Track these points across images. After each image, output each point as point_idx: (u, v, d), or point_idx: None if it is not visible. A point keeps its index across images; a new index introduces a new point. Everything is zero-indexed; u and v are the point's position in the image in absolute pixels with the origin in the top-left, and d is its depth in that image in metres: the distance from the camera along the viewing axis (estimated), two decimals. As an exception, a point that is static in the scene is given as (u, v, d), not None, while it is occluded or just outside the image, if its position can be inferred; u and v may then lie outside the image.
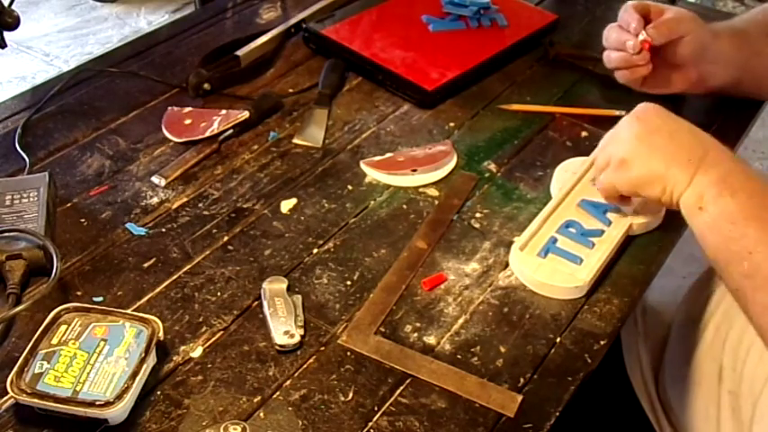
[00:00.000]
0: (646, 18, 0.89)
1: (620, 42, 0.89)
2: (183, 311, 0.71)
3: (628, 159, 0.73)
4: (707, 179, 0.69)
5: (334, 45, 1.04)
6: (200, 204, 0.82)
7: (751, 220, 0.65)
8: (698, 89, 0.92)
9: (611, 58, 0.92)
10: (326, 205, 0.83)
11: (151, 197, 0.83)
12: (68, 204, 0.81)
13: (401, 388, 0.65)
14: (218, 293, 0.72)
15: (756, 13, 0.95)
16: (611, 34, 0.91)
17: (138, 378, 0.61)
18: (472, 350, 0.68)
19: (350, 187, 0.85)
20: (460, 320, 0.71)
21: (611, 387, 0.91)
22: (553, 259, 0.75)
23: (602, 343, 0.70)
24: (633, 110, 0.76)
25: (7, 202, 0.76)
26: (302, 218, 0.81)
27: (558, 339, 0.70)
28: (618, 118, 0.92)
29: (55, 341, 0.63)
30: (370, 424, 0.62)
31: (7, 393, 0.60)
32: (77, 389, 0.59)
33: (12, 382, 0.60)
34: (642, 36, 0.87)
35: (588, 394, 0.67)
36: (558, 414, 0.64)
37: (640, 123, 0.74)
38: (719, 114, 0.96)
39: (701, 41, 0.88)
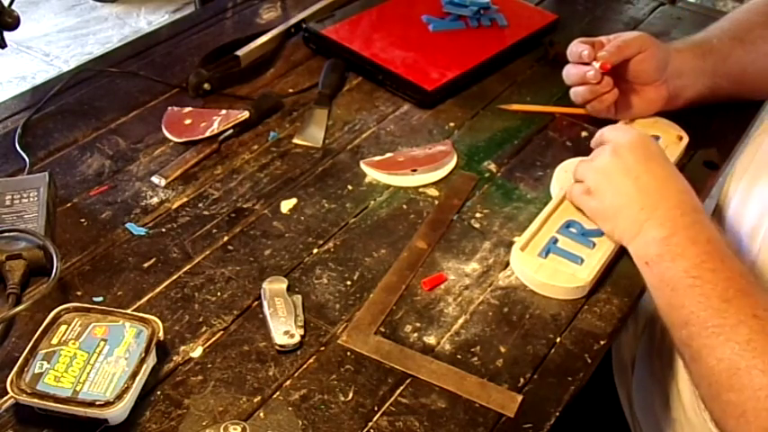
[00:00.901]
0: (595, 49, 0.89)
1: (581, 75, 0.89)
2: (183, 311, 0.71)
3: (592, 190, 0.77)
4: (652, 235, 0.70)
5: (335, 45, 1.04)
6: (200, 204, 0.82)
7: (689, 290, 0.65)
8: (675, 105, 0.92)
9: (577, 93, 0.92)
10: (326, 205, 0.83)
11: (151, 197, 0.83)
12: (68, 204, 0.81)
13: (401, 388, 0.65)
14: (218, 293, 0.72)
15: (720, 21, 0.96)
16: (569, 71, 0.91)
17: (138, 378, 0.61)
18: (472, 350, 0.68)
19: (350, 187, 0.85)
20: (460, 320, 0.71)
21: (598, 389, 0.91)
22: (554, 259, 0.75)
23: (602, 343, 0.70)
24: (617, 137, 0.76)
25: (7, 202, 0.76)
26: (302, 218, 0.81)
27: (558, 339, 0.70)
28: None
29: (55, 341, 0.63)
30: (370, 424, 0.62)
31: (7, 393, 0.60)
32: (77, 389, 0.59)
33: (12, 382, 0.60)
34: (597, 63, 0.87)
35: (577, 397, 0.67)
36: (558, 414, 0.64)
37: (614, 158, 0.75)
38: (720, 114, 0.96)
39: (659, 57, 0.88)
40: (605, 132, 0.79)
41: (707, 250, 0.67)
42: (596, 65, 0.87)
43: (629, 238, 0.72)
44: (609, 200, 0.74)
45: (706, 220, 0.70)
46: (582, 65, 0.89)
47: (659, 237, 0.69)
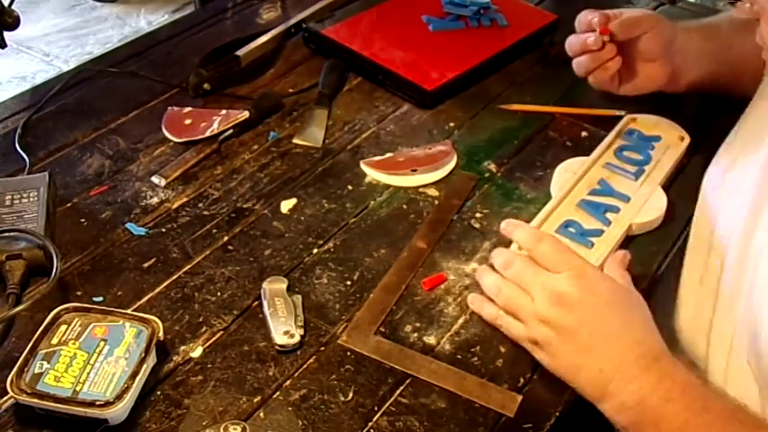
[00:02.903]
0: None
1: (582, 43, 0.89)
2: (183, 311, 0.71)
3: (540, 343, 0.65)
4: (620, 401, 0.61)
5: (334, 45, 1.04)
6: (200, 204, 0.82)
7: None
8: (676, 86, 0.92)
9: (579, 63, 0.92)
10: (326, 205, 0.83)
11: (151, 197, 0.83)
12: (68, 204, 0.81)
13: (401, 388, 0.65)
14: (218, 293, 0.72)
15: (728, 12, 0.96)
16: (570, 41, 0.91)
17: (138, 378, 0.61)
18: (472, 350, 0.68)
19: (350, 187, 0.85)
20: (460, 320, 0.71)
21: None
22: (553, 259, 0.75)
23: (602, 343, 0.69)
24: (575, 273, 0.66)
25: (7, 202, 0.76)
26: (302, 218, 0.81)
27: (558, 339, 0.70)
28: (618, 118, 0.93)
29: (55, 341, 0.63)
30: (370, 424, 0.62)
31: (7, 393, 0.60)
32: (77, 389, 0.59)
33: (12, 382, 0.60)
34: (598, 31, 0.87)
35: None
36: (558, 414, 0.64)
37: (558, 308, 0.64)
38: (720, 115, 0.96)
39: (665, 35, 0.89)
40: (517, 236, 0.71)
41: (686, 405, 0.59)
42: (598, 31, 0.87)
43: (596, 400, 0.63)
44: (562, 359, 0.64)
45: (671, 364, 0.62)
46: (584, 33, 0.89)
47: (630, 404, 0.60)
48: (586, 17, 0.89)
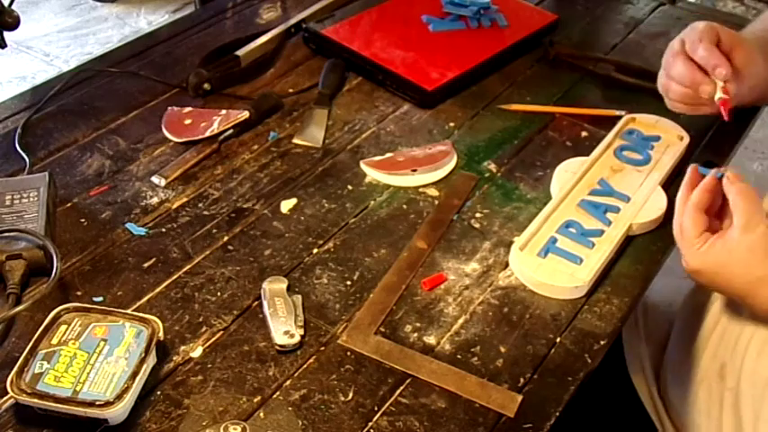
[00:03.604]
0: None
1: (692, 82, 0.83)
2: (183, 311, 0.71)
3: None
4: None
5: (335, 45, 1.04)
6: (200, 204, 0.82)
7: None
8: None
9: (671, 89, 0.85)
10: (326, 205, 0.83)
11: (151, 197, 0.83)
12: (68, 204, 0.81)
13: (401, 388, 0.65)
14: (218, 293, 0.72)
15: (759, 23, 0.94)
16: (676, 66, 0.84)
17: (138, 378, 0.61)
18: (472, 350, 0.68)
19: (350, 187, 0.85)
20: (460, 320, 0.71)
21: (612, 386, 0.91)
22: (553, 259, 0.75)
23: (602, 343, 0.70)
24: None
25: (7, 202, 0.76)
26: (302, 218, 0.81)
27: (558, 339, 0.70)
28: (618, 118, 0.93)
29: (55, 341, 0.63)
30: (370, 424, 0.62)
31: (7, 393, 0.60)
32: (77, 389, 0.59)
33: (12, 382, 0.60)
34: (719, 94, 0.81)
35: (589, 393, 0.67)
36: (558, 414, 0.64)
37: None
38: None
39: (755, 73, 0.85)
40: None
41: None
42: (719, 96, 0.82)
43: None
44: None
45: None
46: (697, 70, 0.82)
47: None
48: (713, 55, 0.81)
